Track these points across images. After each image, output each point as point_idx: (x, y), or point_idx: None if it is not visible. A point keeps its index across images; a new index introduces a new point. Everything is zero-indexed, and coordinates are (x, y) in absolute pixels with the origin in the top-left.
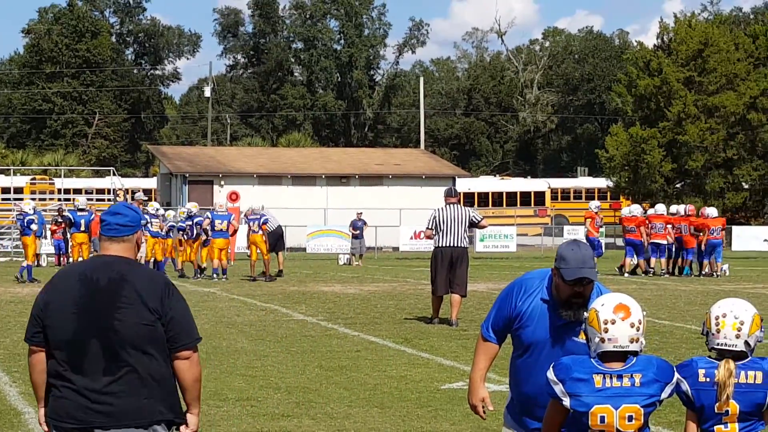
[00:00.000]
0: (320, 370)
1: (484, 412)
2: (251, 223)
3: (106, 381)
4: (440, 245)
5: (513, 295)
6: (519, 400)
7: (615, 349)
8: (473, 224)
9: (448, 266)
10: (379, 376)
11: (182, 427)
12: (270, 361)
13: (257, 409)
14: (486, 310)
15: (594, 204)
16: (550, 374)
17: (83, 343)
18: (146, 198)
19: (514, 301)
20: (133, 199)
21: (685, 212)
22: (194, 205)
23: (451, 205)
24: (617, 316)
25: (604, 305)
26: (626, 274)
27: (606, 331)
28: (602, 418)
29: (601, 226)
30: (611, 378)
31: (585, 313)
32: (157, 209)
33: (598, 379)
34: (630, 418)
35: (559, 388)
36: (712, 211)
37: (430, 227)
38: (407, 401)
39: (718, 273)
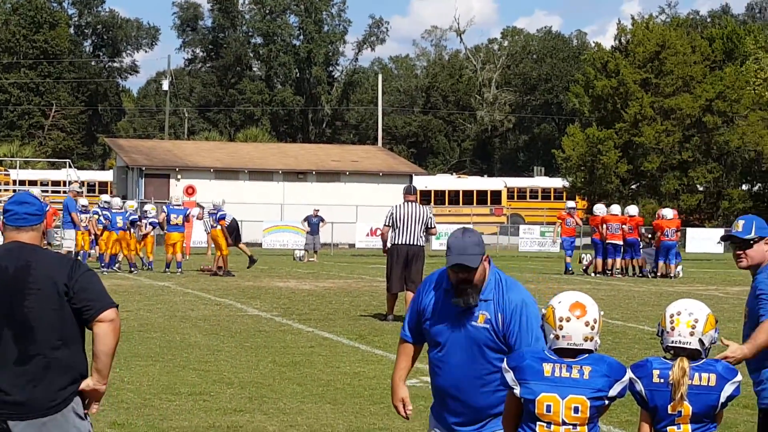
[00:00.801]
0: (274, 365)
1: (407, 412)
2: (209, 219)
3: (17, 370)
4: (397, 242)
5: (420, 292)
6: (435, 394)
7: (569, 347)
8: (426, 227)
9: (404, 263)
10: (333, 372)
11: (82, 385)
12: (223, 355)
13: (210, 404)
14: None
15: (568, 204)
16: (504, 363)
17: None
18: (80, 190)
19: (421, 296)
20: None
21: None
22: (153, 208)
23: (410, 203)
24: (573, 314)
25: (561, 302)
26: (592, 274)
27: (561, 328)
28: (548, 407)
29: (576, 226)
30: (561, 368)
31: (472, 299)
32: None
33: (547, 368)
34: (576, 410)
35: (510, 376)
36: (667, 213)
37: (387, 224)
38: (360, 398)
39: (673, 274)
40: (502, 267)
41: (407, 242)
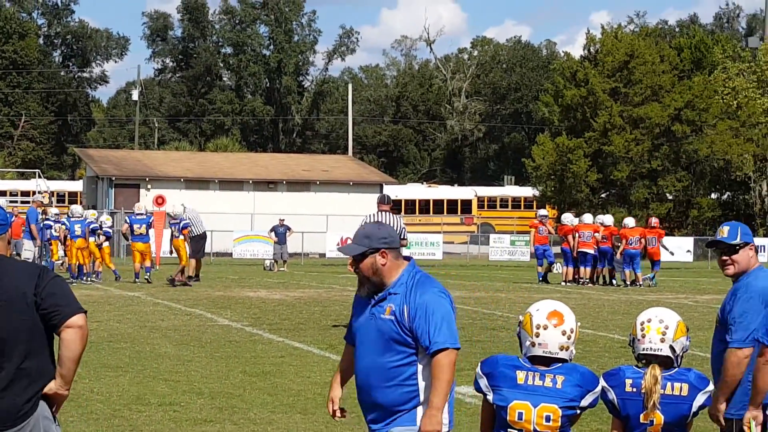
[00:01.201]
0: (244, 375)
1: (333, 411)
2: (172, 228)
3: None
4: None
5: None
6: (357, 392)
7: (544, 354)
8: (399, 238)
9: None
10: (303, 382)
11: (45, 388)
12: (194, 366)
13: (180, 414)
14: None
15: (540, 213)
16: (478, 369)
17: None
18: (44, 200)
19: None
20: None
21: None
22: (107, 218)
23: (384, 213)
24: (550, 322)
25: (538, 310)
26: (563, 283)
27: (537, 335)
28: (520, 415)
29: (548, 234)
30: (534, 376)
31: (365, 290)
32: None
33: (521, 376)
34: (548, 419)
35: (483, 382)
36: (629, 221)
37: None
38: None
39: (640, 283)
40: (472, 276)
41: None
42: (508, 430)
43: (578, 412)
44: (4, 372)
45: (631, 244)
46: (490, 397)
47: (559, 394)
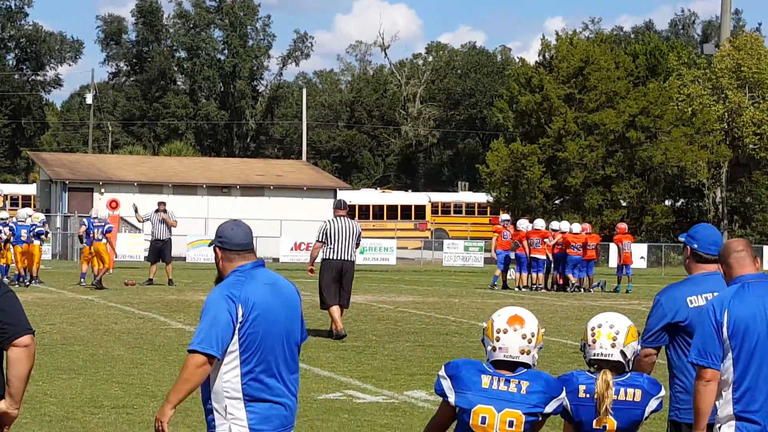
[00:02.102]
0: None
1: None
2: (95, 231)
3: None
4: (329, 258)
5: None
6: None
7: (506, 359)
8: (357, 243)
9: (338, 278)
10: None
11: None
12: (147, 369)
13: (133, 417)
14: (364, 322)
15: (502, 217)
16: (441, 371)
17: None
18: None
19: None
20: None
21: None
22: (36, 216)
23: (341, 218)
24: (510, 326)
25: (500, 315)
26: (515, 289)
27: (498, 339)
28: (483, 419)
29: (510, 240)
30: (499, 381)
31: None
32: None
33: (485, 380)
34: (511, 424)
35: (447, 384)
36: (575, 227)
37: (320, 240)
38: None
39: (585, 287)
40: (425, 281)
41: (340, 257)
42: None
43: (541, 418)
44: None
45: (574, 249)
46: (451, 399)
47: (524, 399)
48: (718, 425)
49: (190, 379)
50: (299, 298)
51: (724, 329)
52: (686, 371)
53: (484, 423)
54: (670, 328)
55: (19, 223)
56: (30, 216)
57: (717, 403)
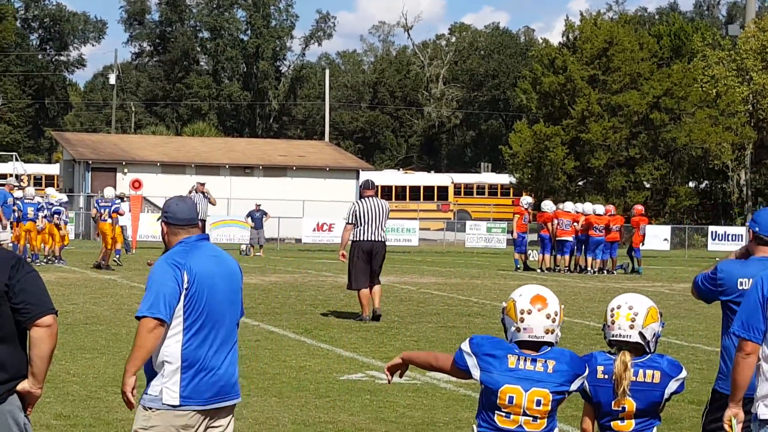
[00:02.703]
0: None
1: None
2: (102, 211)
3: None
4: (359, 239)
5: None
6: None
7: (530, 339)
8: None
9: (368, 260)
10: (279, 365)
11: (18, 387)
12: None
13: None
14: (387, 303)
15: (525, 200)
16: (465, 346)
17: None
18: (17, 183)
19: None
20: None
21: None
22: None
23: (370, 198)
24: (534, 306)
25: (522, 296)
26: (538, 270)
27: (522, 320)
28: (511, 398)
29: (528, 223)
30: (525, 360)
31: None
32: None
33: (512, 360)
34: (538, 403)
35: (472, 361)
36: (597, 209)
37: (350, 222)
38: (305, 391)
39: (608, 269)
40: (448, 262)
41: (370, 238)
42: (496, 412)
43: (566, 396)
44: None
45: (596, 231)
46: (476, 375)
47: (551, 378)
48: (757, 403)
49: (143, 345)
50: (241, 275)
51: None
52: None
53: (512, 402)
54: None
55: (26, 201)
56: (40, 196)
57: (759, 379)
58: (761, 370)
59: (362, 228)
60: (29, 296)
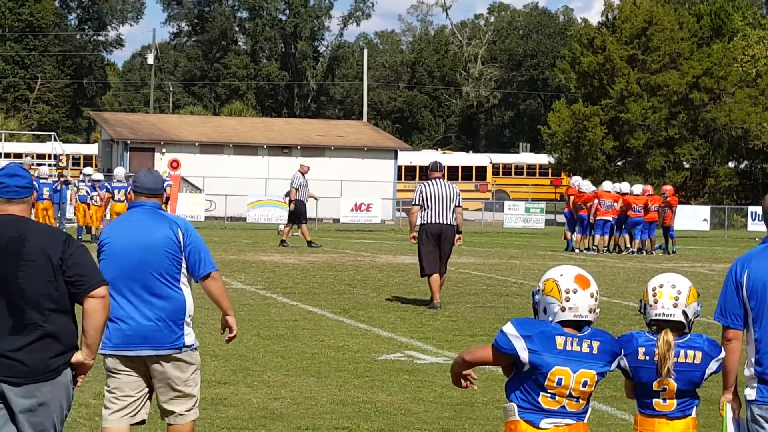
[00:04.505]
0: (258, 338)
1: None
2: (116, 192)
3: (13, 340)
4: (427, 222)
5: None
6: None
7: (575, 319)
8: (455, 206)
9: (436, 244)
10: (317, 345)
11: (73, 358)
12: (207, 328)
13: None
14: (425, 283)
15: (577, 179)
16: (511, 329)
17: None
18: (33, 162)
19: None
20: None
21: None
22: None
23: (437, 180)
24: (578, 286)
25: (563, 275)
26: (577, 250)
27: (568, 300)
28: (559, 380)
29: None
30: (572, 342)
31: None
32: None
33: (560, 341)
34: (584, 384)
35: (521, 344)
36: (636, 189)
37: (417, 203)
38: (344, 371)
39: (646, 249)
40: (486, 242)
41: (438, 221)
42: (542, 393)
43: (604, 376)
44: (29, 328)
45: (635, 211)
46: (525, 358)
47: (596, 359)
48: (745, 386)
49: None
50: (172, 236)
51: (744, 289)
52: None
53: (560, 384)
54: None
55: (41, 181)
56: (51, 175)
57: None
58: (746, 353)
59: (429, 210)
60: (82, 269)
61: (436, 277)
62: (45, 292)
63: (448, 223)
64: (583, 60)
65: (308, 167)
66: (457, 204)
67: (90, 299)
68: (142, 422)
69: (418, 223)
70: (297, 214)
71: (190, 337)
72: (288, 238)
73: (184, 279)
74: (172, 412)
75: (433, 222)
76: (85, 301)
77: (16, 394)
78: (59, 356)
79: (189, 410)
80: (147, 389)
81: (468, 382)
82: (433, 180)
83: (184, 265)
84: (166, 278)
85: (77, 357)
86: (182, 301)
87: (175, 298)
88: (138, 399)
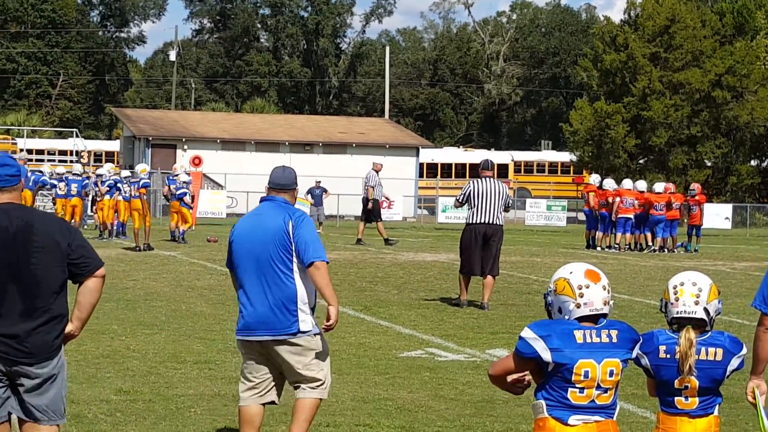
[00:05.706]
0: None
1: None
2: (131, 187)
3: (25, 324)
4: (474, 221)
5: None
6: None
7: (591, 313)
8: (505, 206)
9: (482, 244)
10: (338, 342)
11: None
12: (229, 325)
13: (215, 372)
14: (446, 280)
15: (597, 178)
16: (528, 333)
17: (1, 289)
18: (84, 162)
19: None
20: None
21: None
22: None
23: (487, 179)
24: (589, 281)
25: (573, 273)
26: (599, 248)
27: (581, 295)
28: (586, 373)
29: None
30: (591, 334)
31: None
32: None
33: (578, 335)
34: (611, 373)
35: (540, 345)
36: (657, 187)
37: (459, 200)
38: (365, 368)
39: (668, 248)
40: (508, 240)
41: (486, 221)
42: (569, 388)
43: (628, 364)
44: (39, 312)
45: (656, 210)
46: (547, 358)
47: (617, 347)
48: None
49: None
50: (283, 227)
51: None
52: None
53: (587, 377)
54: None
55: (69, 178)
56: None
57: None
58: None
59: (477, 209)
60: (86, 251)
61: (467, 277)
62: (55, 278)
63: (496, 222)
64: (606, 58)
65: (381, 165)
66: (507, 204)
67: (93, 278)
68: (272, 403)
69: (465, 221)
70: (374, 212)
71: (305, 323)
72: (363, 236)
73: (296, 267)
74: (301, 389)
75: (480, 222)
76: (87, 279)
77: (29, 374)
78: (61, 334)
79: (314, 389)
80: (272, 373)
81: (521, 382)
82: (483, 179)
83: (294, 254)
84: (279, 267)
85: (69, 328)
86: (293, 288)
87: (287, 286)
88: (264, 381)
